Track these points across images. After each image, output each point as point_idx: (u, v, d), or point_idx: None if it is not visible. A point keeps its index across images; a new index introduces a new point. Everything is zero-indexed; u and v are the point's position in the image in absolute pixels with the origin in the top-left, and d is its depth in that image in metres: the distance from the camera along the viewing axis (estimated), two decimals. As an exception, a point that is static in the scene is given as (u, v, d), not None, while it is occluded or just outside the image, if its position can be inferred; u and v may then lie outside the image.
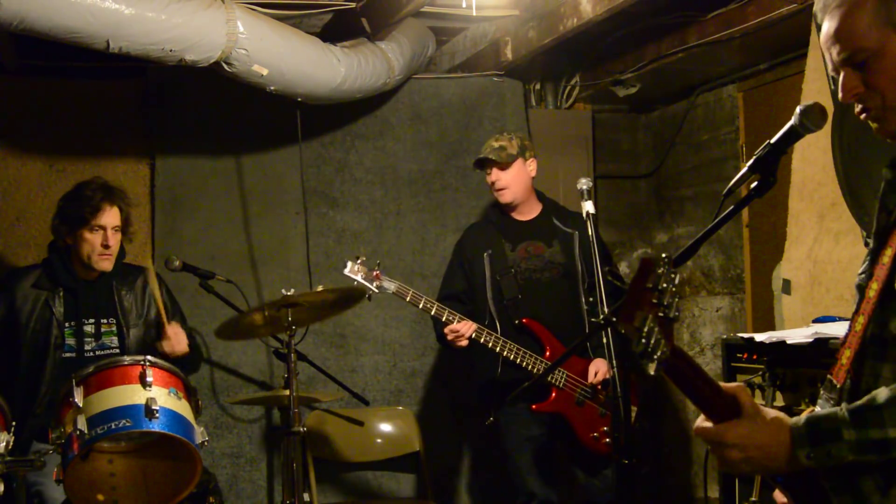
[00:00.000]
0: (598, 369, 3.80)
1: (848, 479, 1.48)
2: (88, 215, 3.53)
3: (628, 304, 1.43)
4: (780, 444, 1.49)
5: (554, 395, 3.80)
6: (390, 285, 3.79)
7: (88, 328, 3.60)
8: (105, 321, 3.64)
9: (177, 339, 3.61)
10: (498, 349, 3.75)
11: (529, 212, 4.04)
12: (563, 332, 3.87)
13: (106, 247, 3.56)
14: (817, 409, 1.57)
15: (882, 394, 1.45)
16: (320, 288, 3.48)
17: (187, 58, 3.50)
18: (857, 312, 1.61)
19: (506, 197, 3.96)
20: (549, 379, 3.77)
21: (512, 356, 3.74)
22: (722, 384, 1.55)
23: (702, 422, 1.55)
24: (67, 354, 3.55)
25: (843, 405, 1.48)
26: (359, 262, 3.78)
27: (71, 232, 3.57)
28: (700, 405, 1.54)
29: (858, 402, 1.47)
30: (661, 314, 1.43)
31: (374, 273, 3.77)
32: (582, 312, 3.91)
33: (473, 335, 3.77)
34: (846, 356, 1.60)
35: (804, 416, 1.50)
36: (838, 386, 1.60)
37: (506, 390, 3.78)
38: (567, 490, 4.19)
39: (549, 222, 4.02)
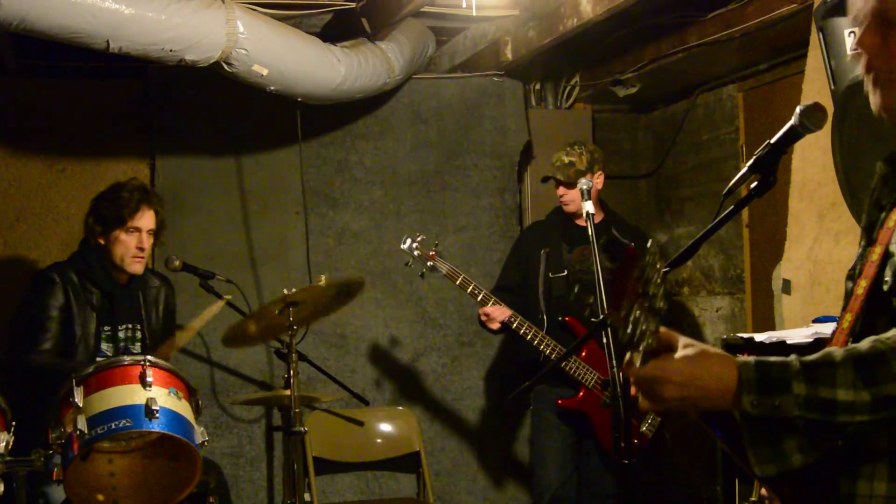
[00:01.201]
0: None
1: (771, 433, 1.40)
2: (126, 216, 3.50)
3: (616, 295, 1.43)
4: (725, 386, 1.39)
5: (582, 393, 3.91)
6: (443, 267, 3.94)
7: (121, 333, 3.58)
8: (131, 326, 3.62)
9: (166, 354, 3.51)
10: (529, 337, 3.88)
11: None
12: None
13: (141, 249, 3.53)
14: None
15: (838, 352, 1.38)
16: (322, 281, 3.48)
17: (187, 58, 3.50)
18: (844, 309, 1.58)
19: (570, 208, 4.10)
20: (579, 378, 3.88)
21: (542, 346, 3.87)
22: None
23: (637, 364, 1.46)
24: (100, 359, 3.48)
25: (796, 356, 1.40)
26: (418, 239, 3.96)
27: (105, 232, 3.53)
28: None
29: (814, 357, 1.39)
30: (646, 304, 1.40)
31: (431, 253, 3.95)
32: None
33: (507, 321, 3.90)
34: (847, 320, 1.56)
35: (753, 358, 1.40)
36: None
37: (545, 379, 3.89)
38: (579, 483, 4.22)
39: (608, 230, 4.11)
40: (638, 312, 1.41)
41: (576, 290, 3.95)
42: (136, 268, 3.57)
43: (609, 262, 4.00)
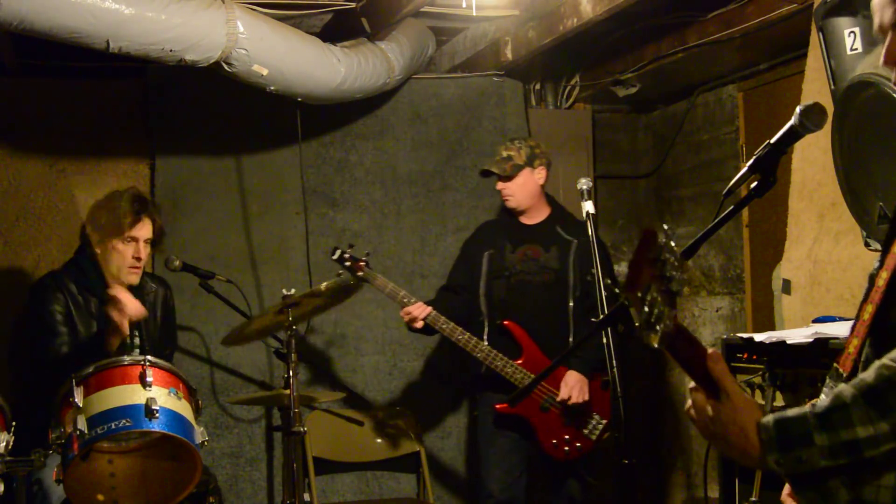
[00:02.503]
0: (571, 389, 3.81)
1: (815, 479, 1.42)
2: (124, 226, 3.44)
3: (631, 274, 1.41)
4: (750, 448, 1.43)
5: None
6: (372, 277, 3.93)
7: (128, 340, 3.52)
8: (129, 333, 3.58)
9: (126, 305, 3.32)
10: (447, 333, 3.86)
11: (536, 216, 4.07)
12: (546, 337, 3.91)
13: (137, 259, 3.49)
14: (819, 400, 1.50)
15: (846, 391, 1.39)
16: (323, 286, 3.50)
17: (187, 58, 3.50)
18: (865, 301, 1.59)
19: (510, 203, 4.03)
20: (517, 383, 3.82)
21: (462, 344, 3.86)
22: (708, 364, 1.48)
23: (701, 398, 1.49)
24: None
25: (811, 407, 1.42)
26: (349, 250, 3.96)
27: (102, 241, 3.48)
28: (697, 381, 1.50)
29: (826, 403, 1.41)
30: (662, 287, 1.40)
31: (360, 263, 3.94)
32: (568, 319, 3.93)
33: (429, 320, 3.86)
34: (853, 345, 1.58)
35: (772, 417, 1.43)
36: (844, 375, 1.59)
37: (487, 385, 3.94)
38: (535, 493, 4.21)
39: (552, 228, 4.05)
40: (654, 294, 1.39)
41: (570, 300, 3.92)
42: (132, 279, 3.51)
43: (557, 263, 3.99)
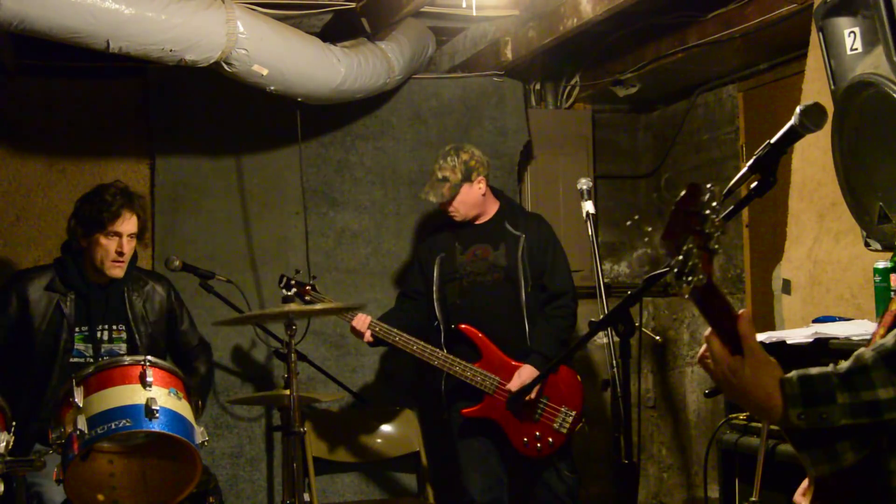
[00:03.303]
0: (521, 377, 3.80)
1: (822, 438, 1.48)
2: (106, 221, 3.46)
3: (671, 224, 1.42)
4: (772, 402, 1.47)
5: (484, 401, 3.85)
6: (318, 301, 3.94)
7: (99, 334, 3.56)
8: (116, 327, 3.59)
9: None
10: (395, 340, 3.85)
11: (484, 216, 4.08)
12: (503, 336, 3.90)
13: (120, 254, 3.50)
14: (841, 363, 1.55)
15: (867, 354, 1.44)
16: (319, 307, 3.67)
17: (187, 58, 3.50)
18: None
19: (457, 219, 4.04)
20: (478, 385, 3.83)
21: (418, 354, 3.85)
22: (737, 320, 1.50)
23: (719, 346, 1.51)
24: (76, 359, 3.50)
25: (834, 367, 1.47)
26: (295, 276, 3.99)
27: (86, 235, 3.51)
28: (720, 335, 1.51)
29: (847, 364, 1.46)
30: (701, 242, 1.41)
31: (307, 288, 3.97)
32: (522, 315, 3.92)
33: (380, 334, 3.86)
34: (879, 334, 1.61)
35: (796, 373, 1.48)
36: None
37: (451, 394, 3.94)
38: (522, 492, 4.20)
39: (500, 225, 4.04)
40: (691, 245, 1.41)
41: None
42: (116, 272, 3.53)
43: (505, 259, 3.97)
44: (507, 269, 3.97)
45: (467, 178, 3.95)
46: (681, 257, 1.41)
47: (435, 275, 4.03)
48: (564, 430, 3.83)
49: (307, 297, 3.95)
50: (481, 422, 3.90)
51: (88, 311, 3.55)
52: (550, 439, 3.84)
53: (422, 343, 3.87)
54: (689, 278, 1.41)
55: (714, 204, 1.41)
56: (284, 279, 4.00)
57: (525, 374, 3.81)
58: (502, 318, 3.95)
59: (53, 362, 3.47)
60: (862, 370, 1.43)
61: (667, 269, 1.45)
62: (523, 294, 3.93)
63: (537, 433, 3.84)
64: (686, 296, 1.43)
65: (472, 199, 4.00)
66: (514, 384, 3.80)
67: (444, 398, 4.01)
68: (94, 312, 3.56)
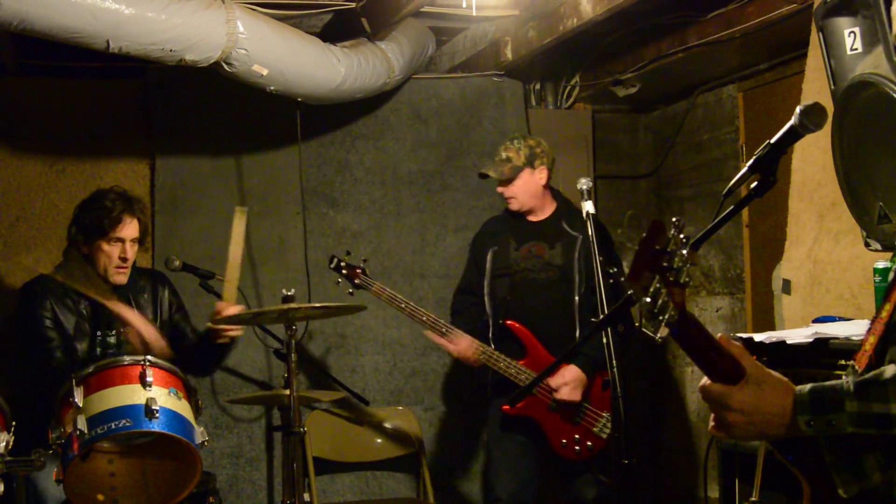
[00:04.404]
0: (565, 382, 3.76)
1: (850, 455, 1.49)
2: (108, 227, 3.43)
3: (636, 265, 1.42)
4: (783, 411, 1.48)
5: (526, 399, 3.81)
6: (369, 284, 3.89)
7: (111, 339, 3.53)
8: (124, 330, 3.55)
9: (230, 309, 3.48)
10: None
11: (541, 213, 4.02)
12: (551, 335, 3.86)
13: (124, 260, 3.47)
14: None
15: (889, 370, 1.45)
16: (320, 306, 3.61)
17: (187, 58, 3.50)
18: (885, 300, 1.63)
19: (513, 206, 3.98)
20: (519, 383, 3.77)
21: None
22: (723, 345, 1.53)
23: (707, 380, 1.54)
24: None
25: (849, 377, 1.48)
26: (345, 257, 3.91)
27: (88, 242, 3.47)
28: (705, 369, 1.53)
29: (865, 376, 1.47)
30: (670, 278, 1.41)
31: (357, 270, 3.89)
32: (574, 316, 3.86)
33: (485, 360, 3.80)
34: (870, 342, 1.61)
35: (809, 385, 1.50)
36: (860, 371, 1.61)
37: (496, 387, 3.88)
38: (551, 494, 4.19)
39: (558, 224, 3.99)
40: (658, 284, 1.41)
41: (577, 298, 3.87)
42: (120, 279, 3.51)
43: (561, 259, 3.94)
44: (562, 269, 3.91)
45: (530, 163, 3.90)
46: (649, 300, 1.40)
47: (487, 268, 3.98)
48: (604, 435, 3.78)
49: (356, 280, 3.89)
50: (520, 419, 3.86)
51: (98, 316, 3.52)
52: (589, 443, 3.80)
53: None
54: (662, 317, 1.42)
55: (682, 237, 1.41)
56: (335, 260, 3.93)
57: (569, 375, 3.76)
58: (552, 317, 3.89)
59: (70, 369, 3.42)
60: (880, 383, 1.44)
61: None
62: (577, 295, 3.86)
63: (577, 436, 3.80)
64: (658, 336, 1.43)
65: (532, 188, 3.93)
66: (555, 382, 3.76)
67: (490, 390, 3.96)
68: (104, 318, 3.53)
